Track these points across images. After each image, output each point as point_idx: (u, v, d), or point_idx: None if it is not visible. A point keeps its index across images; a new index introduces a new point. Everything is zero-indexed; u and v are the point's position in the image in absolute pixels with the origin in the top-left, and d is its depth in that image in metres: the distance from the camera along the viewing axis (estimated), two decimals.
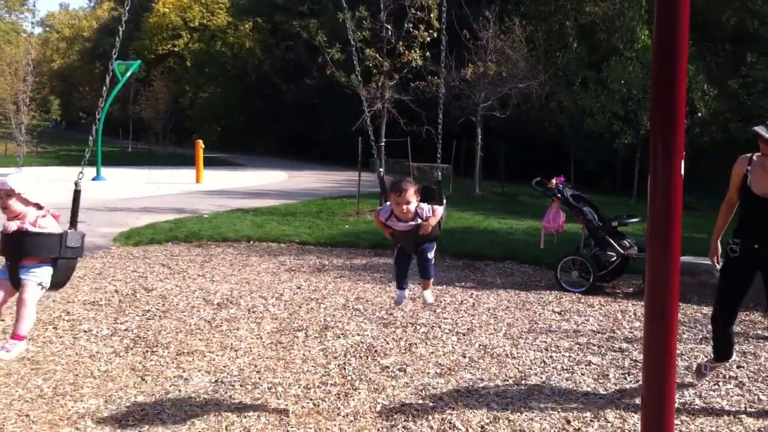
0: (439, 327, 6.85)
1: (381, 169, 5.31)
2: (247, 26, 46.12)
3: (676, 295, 3.71)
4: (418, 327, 6.83)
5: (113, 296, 7.82)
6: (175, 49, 52.63)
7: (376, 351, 6.06)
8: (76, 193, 4.22)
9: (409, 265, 5.03)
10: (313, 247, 11.33)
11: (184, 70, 51.54)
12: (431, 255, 4.85)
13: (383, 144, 16.03)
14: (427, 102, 19.19)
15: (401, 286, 5.08)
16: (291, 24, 38.23)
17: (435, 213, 4.69)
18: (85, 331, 6.46)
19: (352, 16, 16.59)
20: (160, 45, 53.05)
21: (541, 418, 4.69)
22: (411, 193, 4.57)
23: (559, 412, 4.80)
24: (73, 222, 4.14)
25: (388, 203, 4.75)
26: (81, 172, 4.37)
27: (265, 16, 44.55)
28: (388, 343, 6.27)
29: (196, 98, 50.16)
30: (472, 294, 8.31)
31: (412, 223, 4.66)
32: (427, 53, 16.42)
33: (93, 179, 23.15)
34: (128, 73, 25.91)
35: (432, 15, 15.79)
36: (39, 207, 4.28)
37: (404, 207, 4.58)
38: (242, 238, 11.77)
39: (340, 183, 23.71)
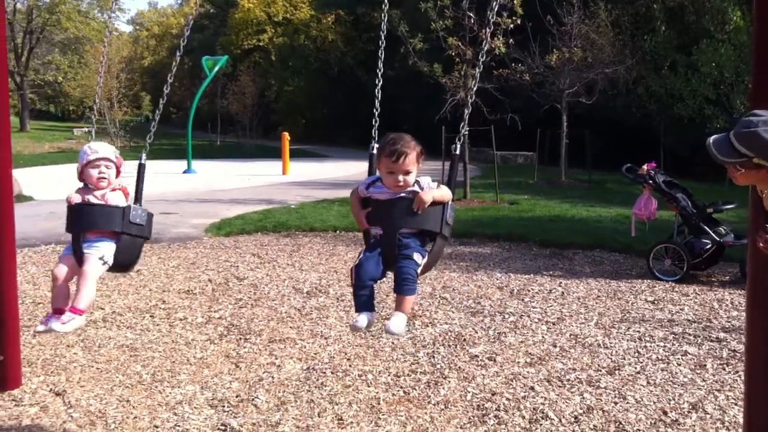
0: (528, 316, 6.78)
1: (374, 143, 3.71)
2: (329, 19, 46.48)
3: None
4: (507, 316, 6.77)
5: (207, 285, 8.03)
6: (260, 44, 53.53)
7: (464, 340, 6.04)
8: (141, 167, 4.06)
9: (378, 275, 3.37)
10: None
11: (269, 64, 52.38)
12: (418, 258, 3.30)
13: (467, 132, 15.91)
14: (510, 90, 18.97)
15: (363, 306, 3.31)
16: (372, 15, 38.35)
17: (441, 188, 3.36)
18: (181, 319, 6.67)
19: (434, 5, 16.58)
20: (245, 40, 54.02)
21: (636, 409, 4.59)
22: (412, 159, 3.27)
23: (654, 403, 4.69)
24: (137, 198, 3.94)
25: (372, 176, 3.51)
26: (146, 147, 4.26)
27: (347, 9, 44.81)
28: (476, 332, 6.24)
29: (281, 92, 50.92)
30: (560, 283, 8.18)
31: (404, 192, 3.31)
32: (511, 40, 16.19)
33: (184, 172, 23.85)
34: (216, 69, 26.50)
35: (515, 1, 15.55)
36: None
37: (400, 177, 3.27)
38: (329, 228, 11.89)
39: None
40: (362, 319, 3.25)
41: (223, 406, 4.65)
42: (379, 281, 3.39)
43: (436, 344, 5.94)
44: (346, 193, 16.88)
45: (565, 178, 21.20)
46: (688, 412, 4.55)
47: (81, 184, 3.92)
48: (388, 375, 5.22)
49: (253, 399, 4.77)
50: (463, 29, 15.92)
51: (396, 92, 35.99)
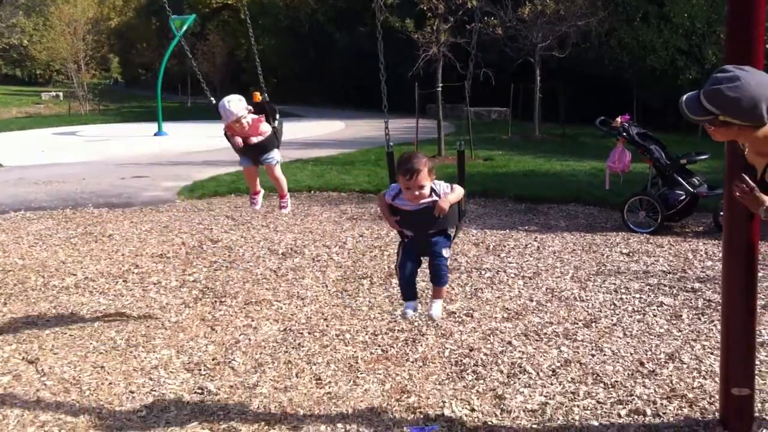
0: (504, 271, 6.78)
1: (390, 144, 4.26)
2: None
3: (757, 230, 3.57)
4: (483, 272, 6.76)
5: (180, 248, 7.94)
6: (229, 2, 52.58)
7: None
8: (266, 103, 5.52)
9: (416, 270, 4.00)
10: (373, 195, 11.26)
11: (239, 22, 51.49)
12: (447, 253, 3.93)
13: (440, 89, 15.79)
14: (483, 44, 18.78)
15: (409, 296, 3.99)
16: None
17: (455, 189, 3.83)
18: (155, 284, 6.59)
19: None
20: None
21: (613, 361, 4.61)
22: (424, 175, 3.68)
23: (631, 354, 4.72)
24: (273, 117, 5.42)
25: (395, 184, 3.88)
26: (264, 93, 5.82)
27: None
28: (453, 289, 6.22)
29: (251, 51, 50.23)
30: (536, 237, 8.19)
31: (426, 200, 3.76)
32: None
33: (155, 134, 23.49)
34: (184, 28, 25.94)
35: None
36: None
37: (416, 192, 3.71)
38: (303, 188, 11.79)
39: (397, 131, 23.36)
40: (410, 306, 3.97)
41: (200, 370, 4.61)
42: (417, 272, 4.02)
43: None
44: (319, 152, 16.86)
45: (539, 132, 21.17)
46: (665, 362, 4.58)
47: None
48: (366, 334, 5.20)
49: (229, 362, 4.73)
50: None
51: (369, 49, 35.69)
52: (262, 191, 5.90)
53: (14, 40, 62.73)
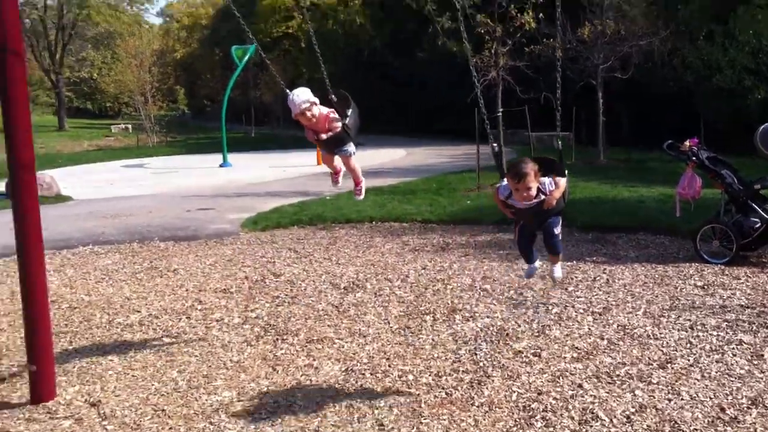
0: (573, 307, 6.55)
1: (494, 144, 4.99)
2: (356, 2, 46.15)
3: None
4: (551, 307, 6.55)
5: (243, 283, 7.93)
6: (290, 31, 53.40)
7: (507, 334, 5.85)
8: (337, 96, 5.46)
9: (533, 242, 4.78)
10: (435, 225, 11.17)
11: (299, 51, 52.25)
12: (558, 230, 4.57)
13: (500, 114, 15.62)
14: (543, 67, 18.54)
15: (529, 260, 4.88)
16: None
17: (558, 185, 4.39)
18: (217, 320, 6.57)
19: None
20: (274, 27, 53.94)
21: (691, 406, 4.36)
22: (531, 178, 4.23)
23: (711, 398, 4.47)
24: (345, 114, 5.29)
25: (506, 183, 4.44)
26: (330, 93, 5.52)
27: None
28: (519, 326, 6.04)
29: (312, 79, 50.81)
30: (605, 269, 7.93)
31: (535, 200, 4.35)
32: (540, 14, 15.81)
33: (220, 165, 23.85)
34: (246, 58, 26.38)
35: None
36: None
37: (524, 193, 4.28)
38: (365, 218, 11.74)
39: (458, 157, 23.38)
40: (532, 268, 4.91)
41: (260, 413, 4.53)
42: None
43: (477, 340, 5.76)
44: (381, 181, 16.81)
45: (604, 157, 20.77)
46: (748, 407, 4.32)
47: None
48: (429, 375, 5.05)
49: (290, 404, 4.64)
50: (492, 5, 15.52)
51: (427, 73, 35.68)
52: (343, 170, 5.81)
53: (84, 73, 64.83)
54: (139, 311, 6.93)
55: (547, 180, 4.37)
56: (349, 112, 5.35)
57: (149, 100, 39.29)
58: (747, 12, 20.99)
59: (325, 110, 5.17)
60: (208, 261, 9.12)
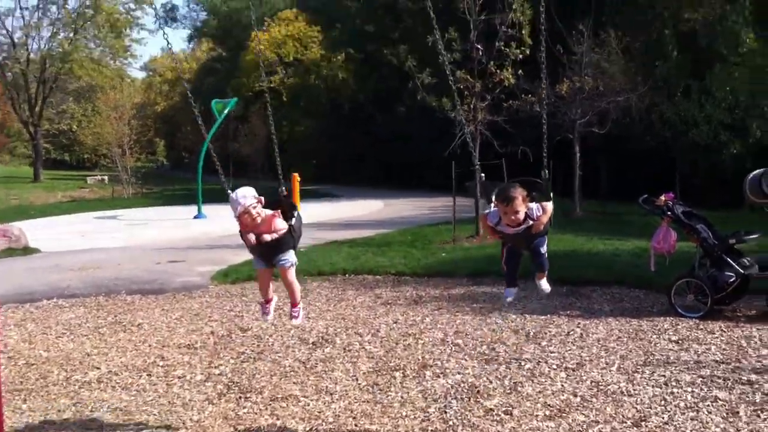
0: (546, 362, 6.39)
1: (482, 174, 5.58)
2: (339, 58, 46.63)
3: None
4: (523, 363, 6.38)
5: (209, 338, 7.71)
6: (271, 85, 53.79)
7: (478, 391, 5.66)
8: (283, 198, 5.14)
9: (519, 262, 5.00)
10: (409, 278, 11.01)
11: (280, 104, 52.56)
12: (544, 249, 4.78)
13: (478, 167, 15.59)
14: (521, 121, 18.67)
15: (512, 284, 5.11)
16: (382, 52, 38.33)
17: (545, 210, 4.59)
18: (179, 377, 6.34)
19: (442, 36, 16.34)
20: (256, 82, 54.30)
21: None
22: (519, 202, 4.45)
23: None
24: (291, 212, 4.97)
25: (495, 207, 4.62)
26: (281, 179, 5.42)
27: (357, 47, 44.91)
28: (491, 382, 5.86)
29: (292, 132, 51.01)
30: (579, 323, 7.78)
31: (523, 225, 4.56)
32: (520, 71, 15.98)
33: (195, 217, 23.64)
34: (226, 111, 26.40)
35: (524, 32, 15.39)
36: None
37: (512, 217, 4.48)
38: (338, 271, 11.57)
39: (435, 209, 23.33)
40: (512, 292, 5.13)
41: None
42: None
43: (447, 397, 5.57)
44: (356, 233, 16.71)
45: (580, 209, 20.81)
46: None
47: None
48: None
49: None
50: (471, 61, 15.68)
51: (408, 128, 35.95)
52: (275, 299, 5.40)
53: (64, 125, 64.61)
54: (98, 368, 6.68)
55: (534, 206, 4.57)
56: (295, 214, 5.04)
57: (127, 152, 39.12)
58: (723, 70, 21.38)
59: (269, 211, 4.86)
60: (174, 315, 8.88)
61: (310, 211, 23.91)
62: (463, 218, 16.20)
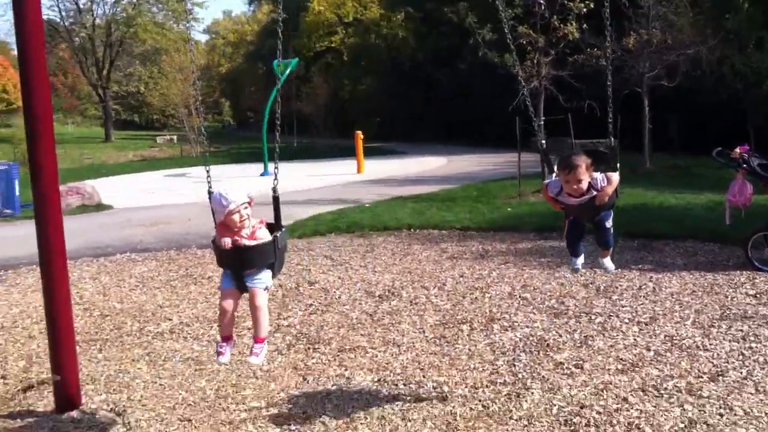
0: (617, 316, 6.26)
1: (543, 141, 4.84)
2: (399, 17, 46.19)
3: None
4: (593, 317, 6.27)
5: (277, 290, 7.78)
6: (332, 45, 53.66)
7: (548, 345, 5.59)
8: (275, 200, 4.28)
9: (582, 234, 4.62)
10: (474, 233, 10.92)
11: (341, 64, 52.46)
12: (609, 224, 4.45)
13: (542, 123, 15.32)
14: (586, 76, 18.19)
15: (575, 254, 4.68)
16: (442, 11, 37.78)
17: (611, 181, 4.20)
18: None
19: None
20: (317, 42, 54.24)
21: (745, 422, 4.08)
22: (582, 170, 4.09)
23: (766, 414, 4.16)
24: (278, 225, 4.23)
25: (557, 177, 4.29)
26: (275, 179, 4.32)
27: (416, 6, 44.39)
28: (560, 336, 5.78)
29: (354, 91, 50.98)
30: (651, 278, 7.60)
31: (586, 196, 4.19)
32: (584, 25, 15.55)
33: (261, 175, 23.88)
34: (287, 71, 26.45)
35: None
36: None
37: (574, 186, 4.12)
38: (403, 225, 11.55)
39: (499, 165, 23.04)
40: (577, 261, 4.69)
41: (289, 425, 4.36)
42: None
43: (516, 350, 5.52)
44: (420, 189, 16.63)
45: (650, 164, 20.28)
46: None
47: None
48: (465, 387, 4.83)
49: (320, 416, 4.46)
50: (534, 16, 15.32)
51: (468, 85, 35.51)
52: (235, 339, 4.53)
53: (131, 87, 65.88)
54: (170, 319, 6.82)
55: (599, 175, 4.20)
56: (282, 230, 4.22)
57: (193, 112, 39.62)
58: None
59: (250, 228, 4.09)
60: None
61: (374, 168, 23.98)
62: (528, 173, 15.93)
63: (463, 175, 20.51)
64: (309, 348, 5.82)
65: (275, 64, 27.09)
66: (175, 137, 49.20)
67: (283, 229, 4.23)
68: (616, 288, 7.21)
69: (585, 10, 14.97)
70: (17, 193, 15.37)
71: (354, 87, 50.91)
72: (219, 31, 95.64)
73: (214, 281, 8.33)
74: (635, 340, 5.63)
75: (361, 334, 6.12)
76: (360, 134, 24.11)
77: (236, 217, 4.00)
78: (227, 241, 4.00)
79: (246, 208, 4.06)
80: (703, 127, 23.93)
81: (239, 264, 4.08)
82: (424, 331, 6.12)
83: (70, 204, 15.13)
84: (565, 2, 14.98)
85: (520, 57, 16.28)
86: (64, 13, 58.90)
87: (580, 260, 4.69)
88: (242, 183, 21.74)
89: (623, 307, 6.56)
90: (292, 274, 8.53)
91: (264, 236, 4.11)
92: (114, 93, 64.17)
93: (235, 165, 29.86)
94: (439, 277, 8.06)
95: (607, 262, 4.74)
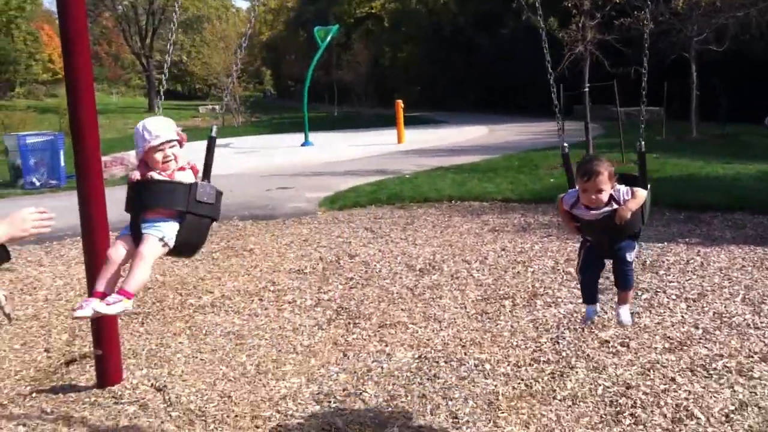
0: (664, 292, 6.12)
1: (566, 145, 3.90)
2: None
3: None
4: (640, 293, 6.13)
5: (318, 264, 7.77)
6: (372, 11, 53.30)
7: (592, 322, 5.48)
8: (211, 141, 3.55)
9: (599, 272, 3.85)
10: (516, 204, 10.77)
11: (382, 30, 52.11)
12: (631, 257, 3.63)
13: (587, 89, 15.01)
14: (633, 40, 17.74)
15: (590, 300, 3.87)
16: None
17: (636, 195, 3.48)
18: (289, 302, 6.42)
19: None
20: (358, 8, 53.92)
21: None
22: (604, 179, 3.41)
23: None
24: (206, 174, 3.48)
25: (574, 189, 3.61)
26: (216, 123, 3.73)
27: None
28: (606, 313, 5.63)
29: (394, 58, 50.65)
30: (699, 252, 7.41)
31: (606, 209, 3.48)
32: None
33: (302, 145, 23.89)
34: (328, 38, 26.30)
35: None
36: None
37: (593, 196, 3.45)
38: (444, 197, 11.43)
39: (541, 134, 22.74)
40: (591, 310, 3.90)
41: (329, 402, 4.34)
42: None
43: (560, 327, 5.43)
44: (461, 159, 16.48)
45: (697, 133, 19.80)
46: None
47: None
48: (508, 365, 4.75)
49: (360, 393, 4.43)
50: None
51: (511, 49, 34.96)
52: (116, 297, 3.18)
53: (174, 56, 66.34)
54: (211, 292, 6.85)
55: (623, 188, 3.52)
56: (209, 181, 3.48)
57: (235, 81, 39.74)
58: None
59: (173, 167, 3.35)
60: (284, 241, 9.01)
61: (414, 137, 23.82)
62: (572, 142, 15.65)
63: (505, 145, 20.28)
64: (349, 323, 5.79)
65: (316, 30, 27.02)
66: (217, 107, 49.48)
67: (212, 186, 3.42)
68: (663, 262, 7.04)
69: None
70: (62, 163, 15.59)
71: (394, 54, 50.57)
72: None
73: (255, 253, 8.36)
74: (683, 317, 5.49)
75: (402, 309, 6.07)
76: (400, 103, 23.92)
77: (159, 155, 3.29)
78: (136, 174, 3.35)
79: (173, 146, 3.35)
80: (753, 93, 23.26)
81: (140, 203, 3.31)
82: (465, 307, 6.05)
83: (114, 174, 15.28)
84: None
85: (564, 21, 15.96)
86: None
87: (596, 308, 3.92)
88: (284, 153, 21.83)
89: (670, 282, 6.40)
90: (332, 247, 8.52)
91: (186, 177, 3.38)
92: (157, 62, 64.63)
93: (277, 135, 29.95)
94: (481, 251, 7.97)
95: (624, 312, 3.81)
